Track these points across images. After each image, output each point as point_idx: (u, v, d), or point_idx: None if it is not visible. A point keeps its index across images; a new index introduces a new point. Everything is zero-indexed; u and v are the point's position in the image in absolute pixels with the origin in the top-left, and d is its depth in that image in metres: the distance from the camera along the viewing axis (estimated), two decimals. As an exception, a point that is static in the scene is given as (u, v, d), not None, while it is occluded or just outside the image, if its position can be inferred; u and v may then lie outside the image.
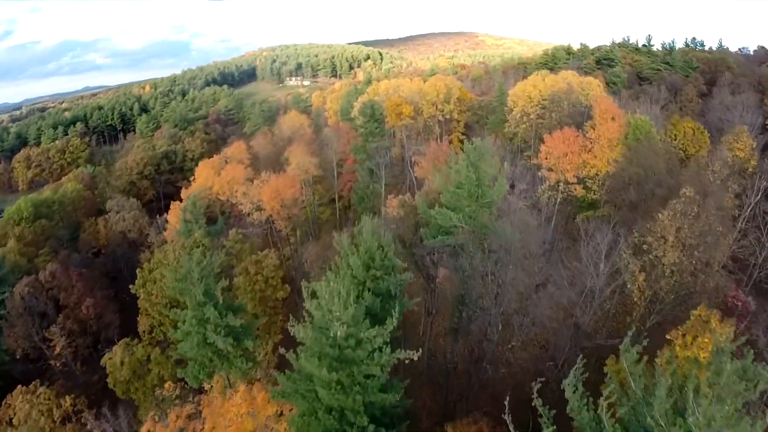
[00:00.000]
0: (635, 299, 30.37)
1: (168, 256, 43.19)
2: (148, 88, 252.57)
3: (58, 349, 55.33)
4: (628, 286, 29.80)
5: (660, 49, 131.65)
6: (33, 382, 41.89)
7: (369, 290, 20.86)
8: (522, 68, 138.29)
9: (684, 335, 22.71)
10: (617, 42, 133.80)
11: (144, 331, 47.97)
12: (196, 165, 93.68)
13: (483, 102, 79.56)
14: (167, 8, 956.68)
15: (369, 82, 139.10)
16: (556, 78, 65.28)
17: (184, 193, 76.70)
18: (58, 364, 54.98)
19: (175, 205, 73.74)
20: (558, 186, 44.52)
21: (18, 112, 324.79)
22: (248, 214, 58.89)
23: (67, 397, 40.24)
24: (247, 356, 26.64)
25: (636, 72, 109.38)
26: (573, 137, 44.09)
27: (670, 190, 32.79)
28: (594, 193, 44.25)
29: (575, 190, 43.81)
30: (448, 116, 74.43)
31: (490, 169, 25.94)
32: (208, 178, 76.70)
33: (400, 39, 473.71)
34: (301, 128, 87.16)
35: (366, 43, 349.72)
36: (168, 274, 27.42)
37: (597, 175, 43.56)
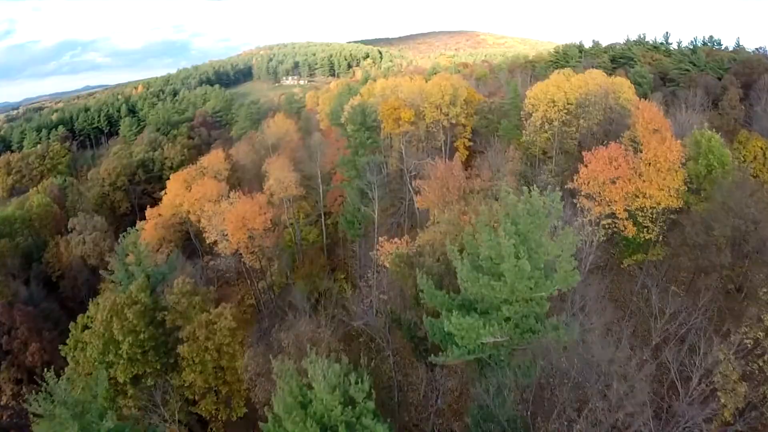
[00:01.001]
0: (725, 414, 20.44)
1: (99, 314, 32.89)
2: (140, 88, 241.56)
3: (4, 400, 47.24)
4: (722, 400, 19.78)
5: (676, 47, 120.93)
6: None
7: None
8: (530, 67, 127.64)
9: None
10: (632, 39, 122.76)
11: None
12: (175, 171, 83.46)
13: (493, 104, 68.87)
14: (167, 8, 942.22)
15: (366, 81, 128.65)
16: (583, 78, 54.61)
17: (149, 213, 66.34)
18: (5, 417, 47.55)
19: (141, 227, 63.59)
20: (599, 221, 34.09)
21: (15, 112, 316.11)
22: (214, 244, 48.73)
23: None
24: None
25: (657, 72, 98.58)
26: (621, 157, 33.60)
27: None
28: (648, 232, 33.78)
29: (625, 227, 33.33)
30: (454, 121, 63.88)
31: (548, 245, 15.17)
32: (178, 194, 66.62)
33: (400, 38, 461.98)
34: (287, 134, 76.65)
35: (366, 42, 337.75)
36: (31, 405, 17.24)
37: (653, 208, 33.04)
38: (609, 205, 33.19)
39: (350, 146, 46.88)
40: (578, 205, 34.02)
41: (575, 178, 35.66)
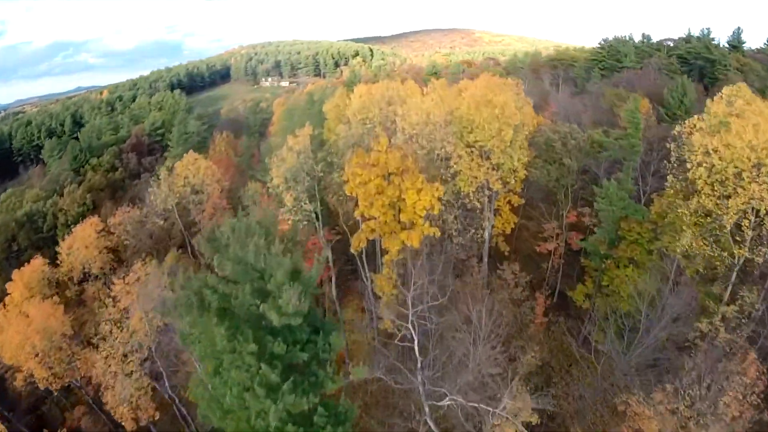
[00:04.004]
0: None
1: None
2: (105, 93, 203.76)
3: None
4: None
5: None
6: None
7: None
8: (561, 67, 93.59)
9: None
10: (695, 35, 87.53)
11: None
12: (69, 232, 48.99)
13: (571, 138, 34.73)
14: (160, 8, 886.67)
15: (353, 83, 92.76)
16: None
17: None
18: None
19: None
20: None
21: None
22: None
23: None
24: None
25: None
26: None
27: None
28: None
29: None
30: (510, 180, 30.10)
31: None
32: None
33: (392, 36, 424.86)
34: (206, 184, 41.86)
35: (357, 41, 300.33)
36: None
37: None
38: None
39: (233, 357, 11.89)
40: None
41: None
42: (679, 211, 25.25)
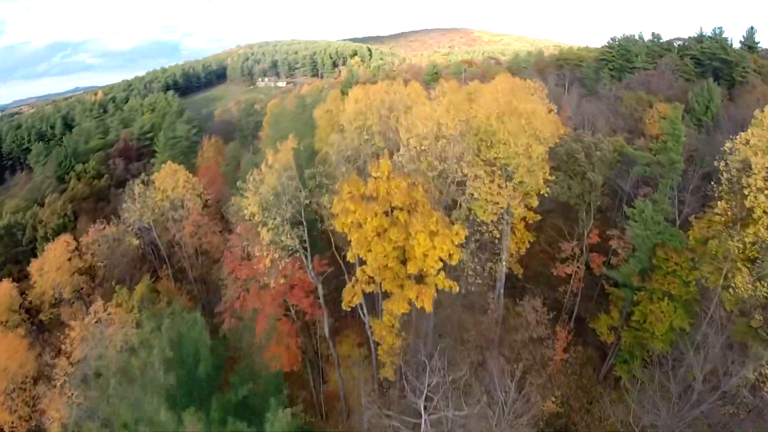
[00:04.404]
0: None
1: None
2: (99, 94, 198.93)
3: None
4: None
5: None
6: None
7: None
8: (567, 65, 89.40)
9: None
10: (707, 35, 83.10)
11: None
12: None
13: (596, 151, 30.58)
14: (158, 8, 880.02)
15: (350, 83, 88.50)
16: None
17: None
18: None
19: None
20: None
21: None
22: None
23: None
24: None
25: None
26: None
27: None
28: None
29: None
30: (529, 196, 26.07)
31: None
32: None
33: (391, 36, 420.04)
34: (185, 199, 37.73)
35: (355, 40, 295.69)
36: None
37: None
38: None
39: None
40: None
41: None
42: (730, 243, 21.21)
